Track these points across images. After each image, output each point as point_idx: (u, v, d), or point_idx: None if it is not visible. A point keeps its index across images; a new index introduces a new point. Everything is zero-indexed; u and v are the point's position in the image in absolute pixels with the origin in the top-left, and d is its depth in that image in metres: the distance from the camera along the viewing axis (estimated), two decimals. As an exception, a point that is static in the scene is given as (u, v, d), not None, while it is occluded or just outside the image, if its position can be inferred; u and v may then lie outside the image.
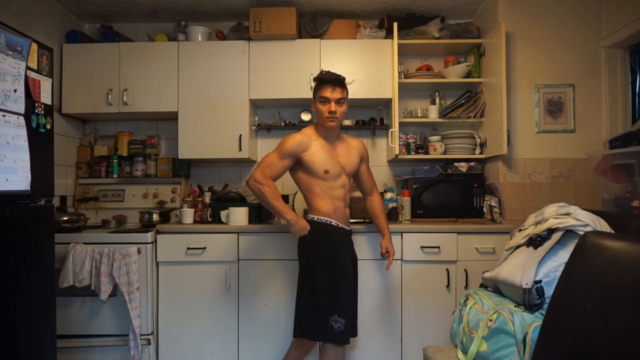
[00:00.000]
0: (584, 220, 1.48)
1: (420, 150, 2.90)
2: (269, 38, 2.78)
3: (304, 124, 3.01)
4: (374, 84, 2.78)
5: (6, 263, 1.60)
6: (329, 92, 1.99)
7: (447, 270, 2.44)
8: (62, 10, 2.88)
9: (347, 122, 2.97)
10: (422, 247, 2.45)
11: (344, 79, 2.04)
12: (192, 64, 2.80)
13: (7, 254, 1.60)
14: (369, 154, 2.32)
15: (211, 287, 2.48)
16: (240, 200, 2.69)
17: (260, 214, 2.68)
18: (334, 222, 2.04)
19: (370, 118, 3.02)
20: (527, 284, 1.42)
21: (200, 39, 2.89)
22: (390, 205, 2.69)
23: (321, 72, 2.08)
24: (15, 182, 1.62)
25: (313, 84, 2.75)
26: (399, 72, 2.77)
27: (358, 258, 2.16)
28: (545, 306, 1.33)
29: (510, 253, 1.66)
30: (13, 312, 1.63)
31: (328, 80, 2.00)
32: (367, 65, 2.79)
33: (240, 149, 2.78)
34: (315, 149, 2.03)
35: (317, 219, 2.04)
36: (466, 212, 2.74)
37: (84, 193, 3.01)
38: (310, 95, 2.77)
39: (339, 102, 2.00)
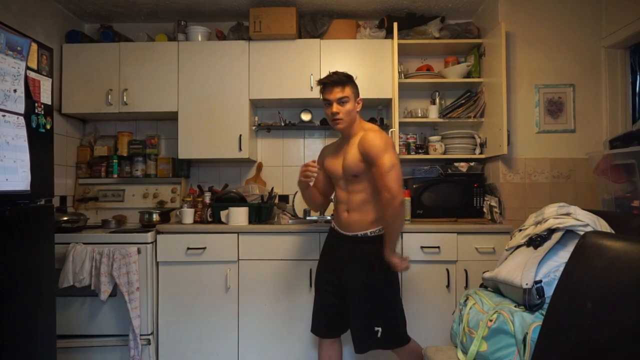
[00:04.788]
0: (584, 220, 1.48)
1: (420, 150, 2.90)
2: (269, 38, 2.78)
3: (304, 124, 3.02)
4: (374, 84, 2.78)
5: (6, 263, 1.60)
6: (328, 94, 1.93)
7: (447, 270, 2.44)
8: (62, 10, 2.88)
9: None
10: (422, 247, 2.45)
11: (346, 77, 1.95)
12: (192, 64, 2.80)
13: (7, 254, 1.60)
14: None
15: (211, 287, 2.48)
16: (240, 200, 2.69)
17: (260, 214, 2.68)
18: (332, 225, 2.08)
19: (370, 118, 3.01)
20: (527, 284, 1.41)
21: (200, 39, 2.89)
22: (390, 205, 2.69)
23: (328, 74, 2.01)
24: (15, 182, 1.62)
25: (313, 86, 2.78)
26: (399, 72, 2.77)
27: None
28: (545, 306, 1.33)
29: (510, 253, 1.66)
30: (13, 312, 1.63)
31: (325, 82, 1.94)
32: (367, 65, 2.79)
33: (240, 149, 2.78)
34: (328, 155, 2.09)
35: (333, 225, 2.11)
36: (466, 212, 2.74)
37: (84, 193, 3.01)
38: (310, 95, 2.79)
39: (340, 101, 1.91)
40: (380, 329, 1.91)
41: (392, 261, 1.86)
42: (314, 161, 1.99)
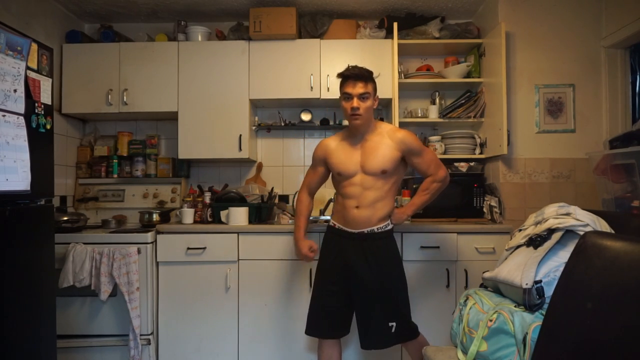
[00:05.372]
0: (584, 220, 1.48)
1: (420, 150, 2.90)
2: (269, 38, 2.78)
3: (304, 124, 3.02)
4: (374, 84, 2.78)
5: (6, 263, 1.60)
6: (350, 88, 1.88)
7: (447, 270, 2.44)
8: (62, 10, 2.88)
9: (346, 122, 2.96)
10: (422, 247, 2.44)
11: (369, 73, 1.92)
12: (192, 64, 2.80)
13: (7, 254, 1.60)
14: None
15: (211, 287, 2.48)
16: (240, 200, 2.69)
17: (260, 214, 2.68)
18: (332, 223, 2.07)
19: (370, 118, 3.01)
20: (527, 284, 1.41)
21: (200, 39, 2.89)
22: (390, 205, 2.69)
23: (347, 67, 1.96)
24: (15, 182, 1.62)
25: (313, 86, 2.78)
26: (399, 72, 2.77)
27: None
28: (545, 306, 1.33)
29: (510, 253, 1.66)
30: (13, 312, 1.63)
31: (348, 75, 1.89)
32: (367, 65, 2.68)
33: (240, 149, 2.78)
34: (336, 150, 2.02)
35: (332, 223, 2.09)
36: (466, 212, 2.73)
37: (84, 193, 3.01)
38: (310, 95, 2.79)
39: (362, 97, 1.88)
40: (394, 324, 1.93)
41: (400, 215, 2.03)
42: (311, 249, 2.12)
